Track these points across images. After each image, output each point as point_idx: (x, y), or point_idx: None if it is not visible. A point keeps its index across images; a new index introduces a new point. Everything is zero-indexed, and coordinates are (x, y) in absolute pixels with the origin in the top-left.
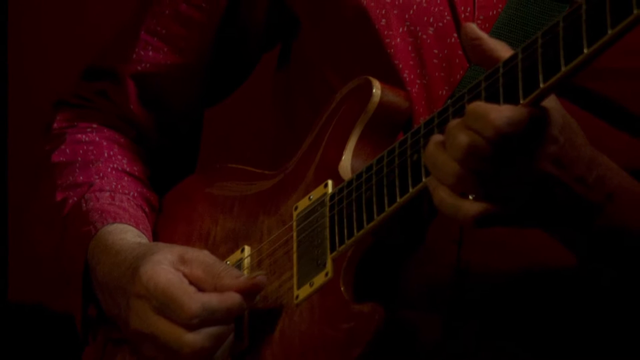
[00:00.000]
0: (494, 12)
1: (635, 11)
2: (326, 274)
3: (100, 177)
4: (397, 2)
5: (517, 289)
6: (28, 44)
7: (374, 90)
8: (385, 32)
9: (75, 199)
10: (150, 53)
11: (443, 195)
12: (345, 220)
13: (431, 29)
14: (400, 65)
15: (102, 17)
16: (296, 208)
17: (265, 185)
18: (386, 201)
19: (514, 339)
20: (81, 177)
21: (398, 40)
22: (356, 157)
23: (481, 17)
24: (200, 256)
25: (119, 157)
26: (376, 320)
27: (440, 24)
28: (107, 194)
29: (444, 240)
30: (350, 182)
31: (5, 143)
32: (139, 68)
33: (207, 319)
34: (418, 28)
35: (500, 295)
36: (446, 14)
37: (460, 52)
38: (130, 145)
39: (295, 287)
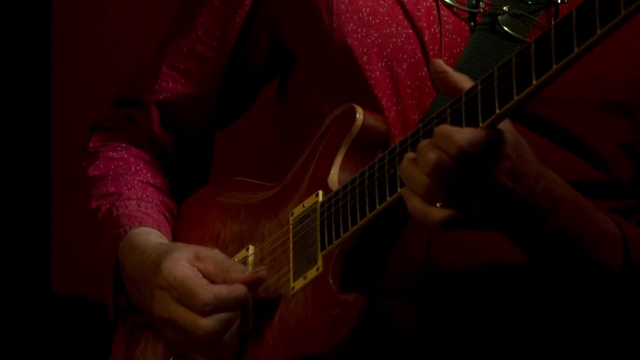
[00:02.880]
0: (458, 50)
1: (576, 49)
2: (317, 269)
3: (129, 188)
4: (376, 42)
5: (477, 282)
6: (69, 77)
7: (357, 115)
8: (367, 67)
9: (107, 206)
10: (171, 84)
11: (415, 203)
12: (333, 224)
13: (405, 64)
14: (379, 94)
15: (129, 55)
16: (292, 214)
17: (266, 194)
18: (367, 208)
19: (475, 323)
20: (112, 188)
21: (377, 73)
22: (342, 171)
23: (447, 54)
24: (212, 254)
25: (144, 171)
26: (359, 308)
27: (413, 60)
28: (134, 202)
29: (416, 241)
30: (337, 192)
31: (49, 159)
32: (161, 97)
33: (217, 306)
34: (394, 63)
35: (464, 286)
36: (418, 51)
37: (429, 83)
38: (153, 161)
39: (291, 279)
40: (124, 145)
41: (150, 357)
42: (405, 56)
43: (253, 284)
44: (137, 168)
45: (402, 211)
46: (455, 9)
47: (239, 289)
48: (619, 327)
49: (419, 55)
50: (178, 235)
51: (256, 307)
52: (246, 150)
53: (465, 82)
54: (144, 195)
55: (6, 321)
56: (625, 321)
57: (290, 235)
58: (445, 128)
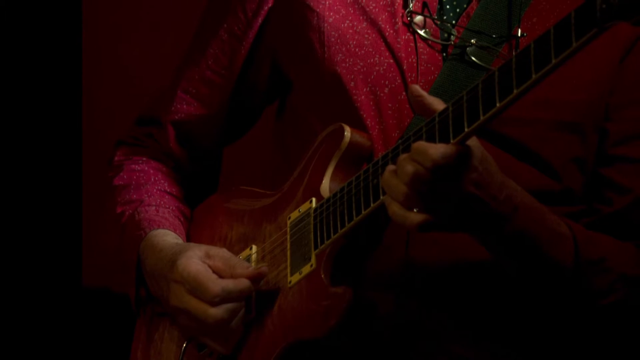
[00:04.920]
0: (432, 77)
1: (533, 76)
2: (311, 265)
3: (148, 195)
4: (362, 70)
5: (449, 275)
6: (98, 101)
7: (345, 133)
8: (354, 91)
9: (130, 211)
10: (185, 106)
11: (395, 209)
12: (324, 226)
13: (387, 89)
14: (364, 115)
15: (149, 81)
16: (289, 218)
17: (267, 201)
18: (354, 213)
19: (447, 311)
20: (135, 196)
21: (363, 97)
22: (333, 181)
23: (423, 81)
24: (221, 252)
25: (162, 181)
26: (347, 299)
27: (393, 85)
28: (153, 207)
29: (396, 241)
30: (328, 199)
31: (80, 170)
32: (176, 117)
33: (225, 298)
34: (377, 88)
35: (437, 279)
36: (397, 78)
37: (407, 105)
38: (170, 173)
39: (288, 274)
40: (144, 159)
41: (167, 342)
42: (386, 82)
43: (256, 278)
44: (156, 178)
45: (384, 216)
46: (429, 42)
47: (244, 283)
48: (570, 312)
49: (399, 81)
50: (191, 236)
51: (258, 298)
52: (250, 162)
53: (438, 104)
54: (162, 202)
55: (44, 310)
56: (576, 307)
57: (288, 237)
58: (421, 144)
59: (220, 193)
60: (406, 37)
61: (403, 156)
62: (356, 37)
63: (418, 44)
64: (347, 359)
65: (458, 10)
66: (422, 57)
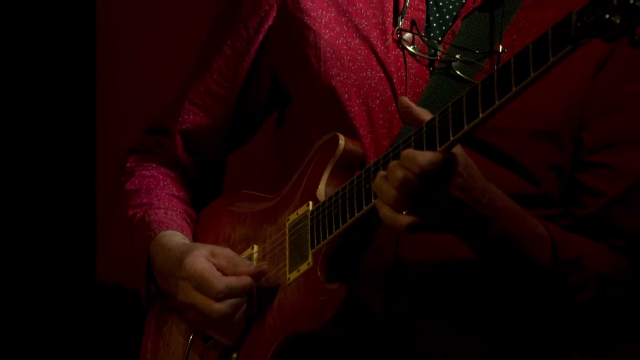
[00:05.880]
0: (420, 90)
1: (514, 89)
2: (308, 264)
3: (158, 199)
4: (355, 83)
5: (436, 273)
6: (112, 112)
7: (339, 142)
8: (347, 103)
9: (141, 213)
10: (191, 117)
11: (385, 212)
12: (320, 228)
13: (378, 100)
14: (357, 125)
15: (159, 93)
16: (288, 220)
17: (267, 204)
18: (348, 215)
19: (433, 307)
20: (145, 199)
21: (356, 108)
22: (328, 186)
23: (411, 93)
24: (224, 252)
25: (170, 186)
26: (341, 295)
27: (384, 97)
28: (162, 210)
29: (386, 241)
30: (324, 203)
31: (95, 176)
32: (183, 127)
33: (229, 294)
34: (369, 100)
35: (425, 277)
36: (388, 91)
37: (397, 116)
38: (178, 178)
39: (287, 272)
40: (154, 165)
41: (175, 334)
42: (378, 94)
43: (257, 275)
44: (165, 183)
45: (375, 218)
46: (418, 57)
47: (246, 280)
48: (548, 307)
49: (389, 93)
50: (197, 236)
51: (259, 294)
52: (251, 168)
53: (425, 115)
54: (170, 205)
55: (60, 305)
56: (553, 302)
57: (287, 237)
58: (410, 151)
59: (224, 197)
60: (396, 52)
61: (393, 163)
62: (350, 53)
63: (407, 59)
64: (341, 351)
65: (444, 27)
66: (411, 71)
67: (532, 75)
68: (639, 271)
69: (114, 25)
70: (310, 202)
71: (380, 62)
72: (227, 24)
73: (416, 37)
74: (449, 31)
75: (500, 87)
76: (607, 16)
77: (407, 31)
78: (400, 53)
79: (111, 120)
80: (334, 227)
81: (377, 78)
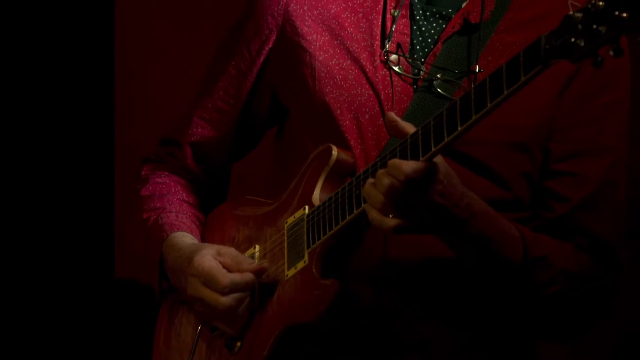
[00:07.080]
0: (405, 105)
1: (489, 105)
2: (304, 261)
3: (170, 204)
4: (347, 100)
5: (420, 270)
6: (129, 125)
7: (332, 152)
8: (340, 117)
9: (154, 217)
10: (200, 130)
11: (374, 215)
12: (316, 229)
13: (367, 115)
14: (348, 137)
15: (170, 108)
16: (287, 222)
17: (268, 208)
18: (340, 218)
19: (418, 301)
20: (158, 204)
21: (347, 122)
22: (322, 192)
23: (397, 108)
24: (229, 251)
25: (181, 192)
26: (334, 289)
27: (373, 112)
28: (174, 214)
29: (375, 241)
30: (318, 207)
31: (113, 183)
32: (192, 139)
33: (233, 288)
34: (359, 115)
35: (409, 274)
36: (376, 106)
37: (384, 129)
38: (188, 185)
39: (286, 269)
40: (166, 173)
41: (185, 325)
42: (367, 110)
43: (258, 272)
44: (176, 190)
45: (365, 220)
46: (403, 76)
47: (249, 276)
48: (520, 300)
49: (377, 109)
50: (205, 237)
51: (261, 289)
52: (253, 176)
53: (410, 128)
54: (181, 209)
55: (81, 301)
56: (524, 296)
57: (285, 238)
58: (396, 161)
59: (229, 202)
60: (383, 72)
61: (381, 171)
62: (342, 72)
63: (393, 78)
64: (334, 340)
65: (426, 50)
66: (397, 89)
67: (505, 92)
68: (599, 268)
69: (130, 41)
70: (307, 207)
71: (369, 81)
72: (231, 46)
73: (401, 58)
74: (431, 53)
75: (477, 103)
76: (573, 39)
77: (394, 53)
78: (387, 73)
79: (128, 136)
80: (327, 228)
81: (366, 95)
